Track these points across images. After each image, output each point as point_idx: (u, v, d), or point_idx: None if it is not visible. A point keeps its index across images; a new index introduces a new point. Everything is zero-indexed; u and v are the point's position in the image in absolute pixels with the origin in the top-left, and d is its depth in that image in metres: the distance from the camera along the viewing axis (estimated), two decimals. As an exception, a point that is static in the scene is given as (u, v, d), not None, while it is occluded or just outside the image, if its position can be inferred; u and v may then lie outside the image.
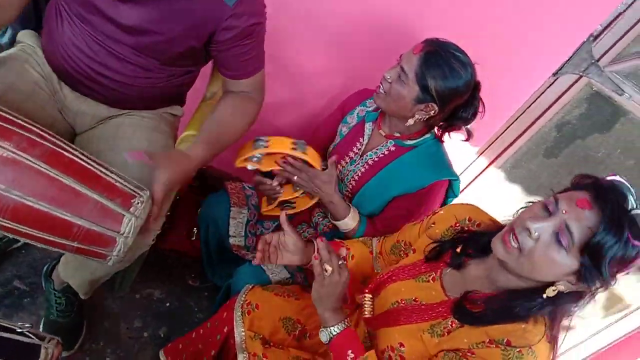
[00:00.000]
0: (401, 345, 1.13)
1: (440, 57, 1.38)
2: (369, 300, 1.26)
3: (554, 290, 0.99)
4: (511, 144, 2.00)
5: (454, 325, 1.07)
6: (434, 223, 1.29)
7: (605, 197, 0.94)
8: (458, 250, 1.18)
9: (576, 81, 1.78)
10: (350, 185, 1.63)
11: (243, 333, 1.36)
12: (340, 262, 1.15)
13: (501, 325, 1.01)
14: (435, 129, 1.57)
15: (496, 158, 2.06)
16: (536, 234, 0.96)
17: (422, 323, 1.12)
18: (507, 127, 1.97)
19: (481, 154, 2.08)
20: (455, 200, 2.18)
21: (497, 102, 1.86)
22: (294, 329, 1.40)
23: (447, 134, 1.55)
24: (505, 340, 0.99)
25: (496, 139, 2.02)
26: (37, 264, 1.81)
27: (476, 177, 2.15)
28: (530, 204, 1.05)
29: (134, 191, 1.08)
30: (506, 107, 1.91)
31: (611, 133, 1.82)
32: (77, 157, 1.04)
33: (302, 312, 1.42)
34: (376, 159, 1.60)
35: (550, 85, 1.82)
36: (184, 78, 1.42)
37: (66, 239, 1.02)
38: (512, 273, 1.03)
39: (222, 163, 2.11)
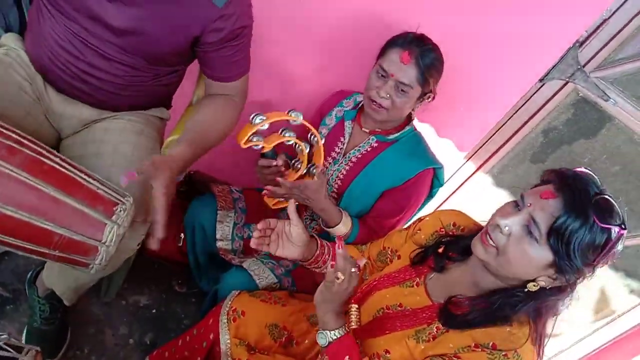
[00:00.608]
0: (387, 352, 1.13)
1: (428, 54, 1.45)
2: (355, 311, 1.25)
3: (535, 286, 1.00)
4: (498, 150, 2.01)
5: (438, 330, 1.08)
6: (419, 229, 1.30)
7: (567, 184, 0.97)
8: (440, 251, 1.19)
9: (562, 87, 1.79)
10: (337, 185, 1.64)
11: (228, 340, 1.35)
12: (352, 271, 1.13)
13: (486, 329, 1.02)
14: (415, 120, 1.62)
15: (483, 163, 2.07)
16: (506, 228, 0.99)
17: (407, 329, 1.12)
18: (495, 133, 1.98)
19: (469, 159, 2.08)
20: (444, 204, 2.21)
21: (484, 108, 1.88)
22: (280, 336, 1.39)
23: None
24: (491, 344, 0.99)
25: (483, 144, 2.02)
26: (20, 271, 1.79)
27: (464, 183, 2.15)
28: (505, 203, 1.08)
29: (117, 198, 1.06)
30: (493, 113, 1.91)
31: (597, 138, 1.84)
32: (58, 164, 1.03)
33: (289, 318, 1.41)
34: (359, 156, 1.61)
35: (537, 91, 1.83)
36: (171, 77, 1.42)
37: (47, 248, 1.00)
38: (494, 274, 1.05)
39: (210, 167, 2.10)
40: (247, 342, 1.35)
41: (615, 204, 0.97)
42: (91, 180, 1.05)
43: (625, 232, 0.96)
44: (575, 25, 1.64)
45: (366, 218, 1.61)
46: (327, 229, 1.59)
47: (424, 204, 1.67)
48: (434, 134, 1.97)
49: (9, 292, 1.74)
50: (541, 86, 1.82)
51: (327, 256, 1.35)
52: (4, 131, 1.00)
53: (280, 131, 1.45)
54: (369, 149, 1.61)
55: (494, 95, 1.84)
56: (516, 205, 1.02)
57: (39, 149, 1.02)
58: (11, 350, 0.97)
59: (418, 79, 1.44)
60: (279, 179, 1.47)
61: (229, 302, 1.43)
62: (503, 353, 0.98)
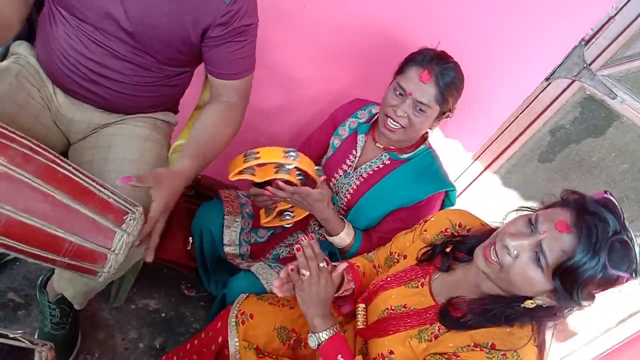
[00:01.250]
0: (391, 352, 1.13)
1: (448, 72, 1.41)
2: (362, 310, 1.25)
3: (532, 304, 1.00)
4: (506, 149, 2.00)
5: (440, 330, 1.08)
6: (425, 230, 1.30)
7: (584, 221, 0.93)
8: (447, 250, 1.19)
9: (569, 85, 1.79)
10: (346, 199, 1.63)
11: (237, 343, 1.35)
12: (320, 265, 1.14)
13: (486, 329, 1.02)
14: (429, 140, 1.58)
15: (491, 163, 2.06)
16: (515, 252, 0.97)
17: (410, 330, 1.13)
18: (502, 133, 1.98)
19: (476, 159, 2.08)
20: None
21: (490, 108, 1.88)
22: (288, 339, 1.40)
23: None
24: (490, 344, 0.99)
25: (491, 144, 2.02)
26: (31, 276, 1.80)
27: (471, 183, 2.15)
28: (523, 209, 1.07)
29: (127, 207, 1.07)
30: (500, 113, 1.91)
31: (605, 137, 1.83)
32: (70, 172, 1.04)
33: (297, 321, 1.42)
34: (371, 172, 1.59)
35: (543, 90, 1.83)
36: (179, 78, 1.43)
37: (57, 255, 1.01)
38: (494, 282, 1.05)
39: (217, 172, 2.10)
40: (256, 346, 1.35)
41: (632, 247, 0.93)
42: (102, 189, 1.06)
43: (632, 279, 0.93)
44: (581, 23, 1.64)
45: (371, 233, 1.60)
46: (330, 238, 1.58)
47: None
48: (441, 134, 1.97)
49: (21, 297, 1.75)
50: (547, 85, 1.81)
51: (351, 283, 1.35)
52: (19, 139, 1.01)
53: (275, 168, 1.43)
54: (381, 166, 1.59)
55: (500, 95, 1.84)
56: (529, 224, 0.99)
57: (52, 157, 1.03)
58: (27, 342, 0.98)
59: (437, 98, 1.41)
60: (279, 182, 1.44)
61: (237, 306, 1.43)
62: (502, 353, 0.98)
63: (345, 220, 1.57)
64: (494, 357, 0.97)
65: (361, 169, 1.61)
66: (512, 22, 1.64)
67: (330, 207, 1.54)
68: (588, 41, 1.69)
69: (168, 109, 1.55)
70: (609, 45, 1.68)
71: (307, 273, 1.13)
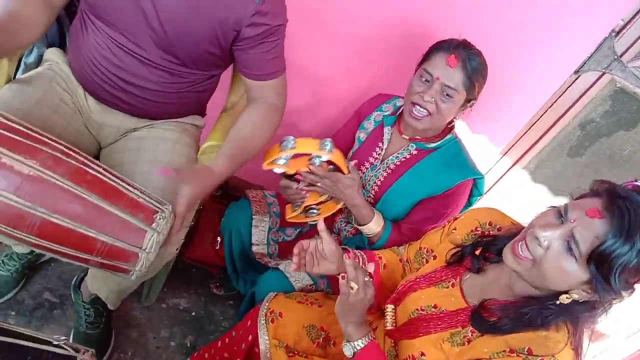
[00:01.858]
0: (422, 354, 1.12)
1: (475, 57, 1.42)
2: (391, 311, 1.24)
3: (567, 298, 0.96)
4: (535, 144, 1.97)
5: (473, 334, 1.06)
6: (455, 229, 1.28)
7: (616, 205, 0.90)
8: (477, 252, 1.16)
9: (599, 78, 1.75)
10: (373, 192, 1.63)
11: (267, 341, 1.36)
12: (366, 279, 1.13)
13: (522, 334, 0.99)
14: (455, 130, 1.57)
15: (520, 158, 2.03)
16: (545, 242, 0.95)
17: (441, 332, 1.11)
18: (530, 127, 1.94)
19: (504, 154, 2.05)
20: (480, 201, 2.18)
21: (519, 102, 1.85)
22: (318, 337, 1.40)
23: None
24: (526, 349, 0.96)
25: (519, 138, 1.99)
26: (66, 276, 1.85)
27: (500, 178, 2.12)
28: (548, 208, 1.04)
29: (156, 206, 1.09)
30: (528, 107, 1.88)
31: (637, 130, 1.79)
32: (100, 173, 1.07)
33: (326, 319, 1.42)
34: (398, 163, 1.59)
35: (573, 83, 1.79)
36: (207, 84, 1.45)
37: (90, 255, 1.04)
38: (527, 281, 1.02)
39: (245, 172, 2.12)
40: (286, 344, 1.36)
41: None
42: (132, 189, 1.09)
43: None
44: (611, 14, 1.60)
45: (401, 224, 1.59)
46: (359, 227, 1.58)
47: (461, 212, 1.64)
48: (468, 130, 1.95)
49: (56, 297, 1.80)
50: (576, 78, 1.77)
51: (363, 265, 1.35)
52: (51, 142, 1.04)
53: (308, 160, 1.45)
54: (408, 156, 1.58)
55: (528, 89, 1.81)
56: (559, 216, 0.97)
57: (82, 159, 1.06)
58: (70, 350, 1.00)
59: (464, 83, 1.41)
60: (311, 167, 1.45)
61: (267, 304, 1.44)
62: (539, 358, 0.94)
63: (374, 209, 1.57)
64: None
65: (388, 160, 1.61)
66: (539, 14, 1.61)
67: (361, 194, 1.54)
68: (619, 32, 1.65)
69: (196, 112, 1.57)
70: (640, 36, 1.64)
71: (356, 286, 1.11)
